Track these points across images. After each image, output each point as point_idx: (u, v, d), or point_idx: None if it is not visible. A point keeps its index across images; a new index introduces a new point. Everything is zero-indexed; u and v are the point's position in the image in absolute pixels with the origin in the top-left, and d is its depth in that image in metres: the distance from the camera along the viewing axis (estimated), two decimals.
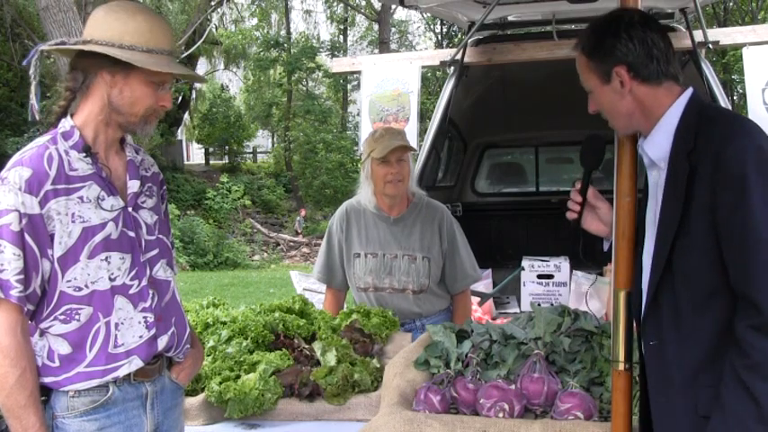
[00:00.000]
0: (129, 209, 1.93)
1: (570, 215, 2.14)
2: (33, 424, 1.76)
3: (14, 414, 1.75)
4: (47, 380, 1.82)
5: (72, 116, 1.88)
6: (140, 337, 1.91)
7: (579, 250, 2.18)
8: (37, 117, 1.93)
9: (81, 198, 1.83)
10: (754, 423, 1.60)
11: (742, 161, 1.63)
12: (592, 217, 2.14)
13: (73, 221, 1.81)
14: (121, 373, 1.87)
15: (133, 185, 1.96)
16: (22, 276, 1.75)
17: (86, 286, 1.83)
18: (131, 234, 1.92)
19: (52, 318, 1.82)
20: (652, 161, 1.85)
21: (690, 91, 1.83)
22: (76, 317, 1.82)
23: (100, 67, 1.84)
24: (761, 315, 1.58)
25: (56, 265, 1.80)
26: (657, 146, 1.82)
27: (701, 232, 1.69)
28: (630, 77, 1.81)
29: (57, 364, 1.83)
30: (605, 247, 2.16)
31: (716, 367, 1.69)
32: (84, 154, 1.86)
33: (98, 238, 1.84)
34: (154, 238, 2.00)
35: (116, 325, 1.87)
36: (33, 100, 1.92)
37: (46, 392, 1.83)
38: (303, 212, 21.70)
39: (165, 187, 2.15)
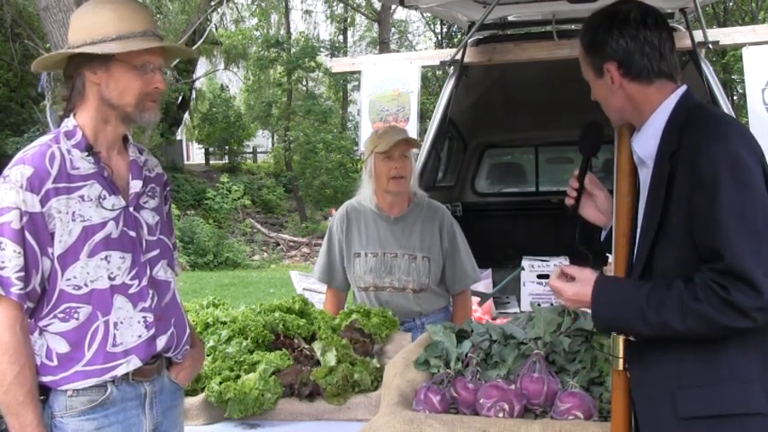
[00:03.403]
0: (131, 209, 1.94)
1: (568, 201, 2.15)
2: (31, 421, 1.76)
3: (12, 411, 1.76)
4: (45, 379, 1.82)
5: (75, 116, 1.90)
6: (139, 336, 1.91)
7: (576, 237, 2.19)
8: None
9: (82, 197, 1.83)
10: (670, 330, 1.67)
11: (713, 166, 1.64)
12: (589, 204, 2.15)
13: (73, 220, 1.81)
14: (120, 372, 1.87)
15: (135, 185, 1.97)
16: (22, 274, 1.75)
17: (86, 285, 1.83)
18: (132, 234, 1.92)
19: (51, 316, 1.82)
20: (641, 159, 1.85)
21: (681, 90, 1.82)
22: (75, 315, 1.83)
23: (81, 67, 1.86)
24: (726, 291, 1.61)
25: (56, 263, 1.80)
26: (645, 144, 1.83)
27: (679, 234, 1.71)
28: (621, 74, 1.81)
29: (55, 363, 1.83)
30: (602, 237, 2.17)
31: (696, 368, 1.70)
32: (87, 153, 1.86)
33: (98, 237, 1.85)
34: (155, 238, 2.00)
35: (115, 324, 1.87)
36: (51, 124, 1.95)
37: (44, 392, 1.83)
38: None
39: (168, 188, 2.15)
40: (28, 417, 1.76)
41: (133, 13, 1.87)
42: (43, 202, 1.77)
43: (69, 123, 1.88)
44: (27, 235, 1.76)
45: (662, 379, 1.74)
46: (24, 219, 1.75)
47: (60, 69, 1.93)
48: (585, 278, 1.83)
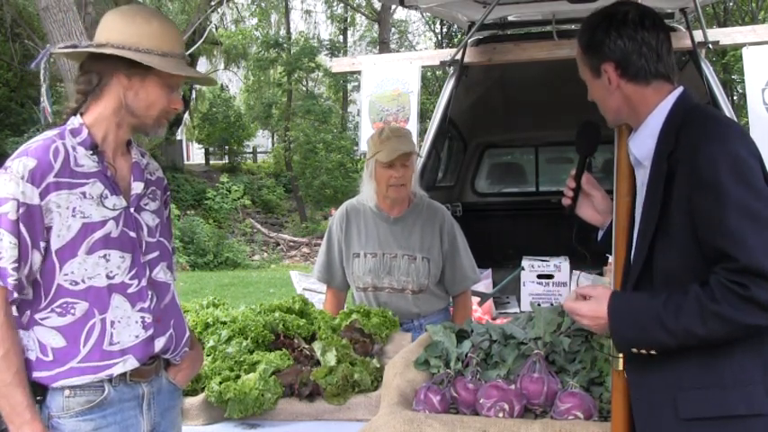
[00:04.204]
0: (131, 209, 1.95)
1: (565, 201, 2.16)
2: (21, 402, 1.76)
3: (1, 393, 1.77)
4: (41, 374, 1.82)
5: (81, 115, 1.90)
6: (137, 336, 1.91)
7: (573, 237, 2.19)
8: (50, 120, 1.95)
9: (83, 194, 1.84)
10: (692, 336, 1.64)
11: (714, 167, 1.63)
12: (586, 204, 2.16)
13: (73, 216, 1.82)
14: (116, 371, 1.87)
15: (137, 187, 1.97)
16: (16, 265, 1.76)
17: (83, 281, 1.84)
18: (132, 234, 1.93)
19: (49, 310, 1.83)
20: (637, 160, 1.86)
21: (678, 91, 1.82)
22: (72, 311, 1.83)
23: (116, 69, 1.86)
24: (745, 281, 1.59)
25: (54, 257, 1.81)
26: (642, 145, 1.83)
27: (680, 234, 1.70)
28: (618, 75, 1.82)
29: (50, 357, 1.83)
30: (599, 236, 2.16)
31: (698, 370, 1.69)
32: (92, 151, 1.87)
33: (97, 234, 1.85)
34: (155, 240, 2.01)
35: (112, 323, 1.87)
36: (45, 103, 1.96)
37: (41, 392, 1.83)
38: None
39: (168, 192, 2.16)
40: (17, 398, 1.77)
41: (175, 35, 1.93)
42: (43, 195, 1.78)
43: (75, 121, 1.88)
44: (21, 226, 1.76)
45: (662, 380, 1.73)
46: (21, 210, 1.76)
47: (75, 59, 1.93)
48: (599, 295, 1.81)
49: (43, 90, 1.94)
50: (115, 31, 1.86)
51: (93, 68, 1.89)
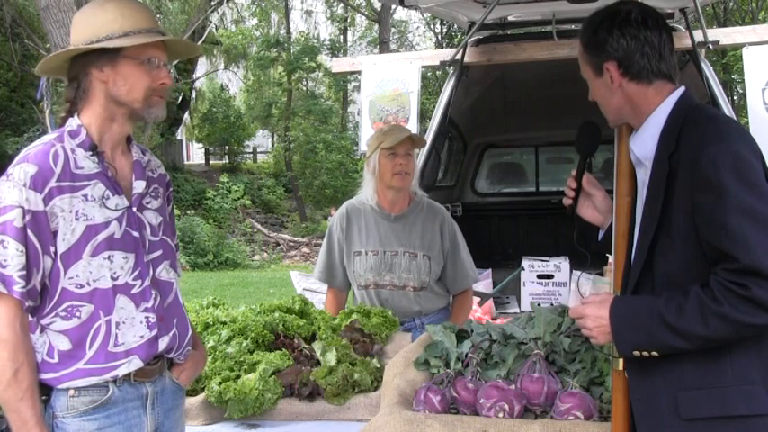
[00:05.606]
0: (134, 209, 1.94)
1: (566, 201, 2.15)
2: (30, 417, 1.76)
3: (12, 407, 1.76)
4: (47, 376, 1.82)
5: (78, 116, 1.90)
6: (141, 336, 1.91)
7: (574, 237, 2.18)
8: None
9: (86, 196, 1.84)
10: (694, 336, 1.64)
11: (716, 166, 1.63)
12: (587, 204, 2.15)
13: (77, 219, 1.82)
14: (121, 372, 1.87)
15: (138, 186, 1.97)
16: (24, 272, 1.76)
17: (88, 284, 1.83)
18: (135, 234, 1.93)
19: (53, 314, 1.83)
20: (639, 159, 1.86)
21: (680, 91, 1.82)
22: (77, 314, 1.83)
23: (87, 66, 1.87)
24: (745, 284, 1.58)
25: (58, 261, 1.80)
26: (644, 145, 1.83)
27: (681, 234, 1.70)
28: (620, 74, 1.81)
29: (56, 360, 1.83)
30: (600, 236, 2.17)
31: (699, 370, 1.69)
32: (91, 153, 1.87)
33: (101, 236, 1.85)
34: (158, 239, 2.01)
35: (117, 324, 1.87)
36: (49, 129, 1.95)
37: (46, 392, 1.83)
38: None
39: (171, 189, 2.15)
40: (27, 413, 1.76)
41: (137, 11, 1.90)
42: (46, 200, 1.78)
43: (73, 123, 1.89)
44: (29, 233, 1.76)
45: (663, 381, 1.73)
46: (27, 217, 1.76)
47: (63, 75, 1.94)
48: (602, 299, 1.82)
49: (47, 116, 1.96)
50: (78, 31, 1.88)
51: (72, 74, 1.90)
